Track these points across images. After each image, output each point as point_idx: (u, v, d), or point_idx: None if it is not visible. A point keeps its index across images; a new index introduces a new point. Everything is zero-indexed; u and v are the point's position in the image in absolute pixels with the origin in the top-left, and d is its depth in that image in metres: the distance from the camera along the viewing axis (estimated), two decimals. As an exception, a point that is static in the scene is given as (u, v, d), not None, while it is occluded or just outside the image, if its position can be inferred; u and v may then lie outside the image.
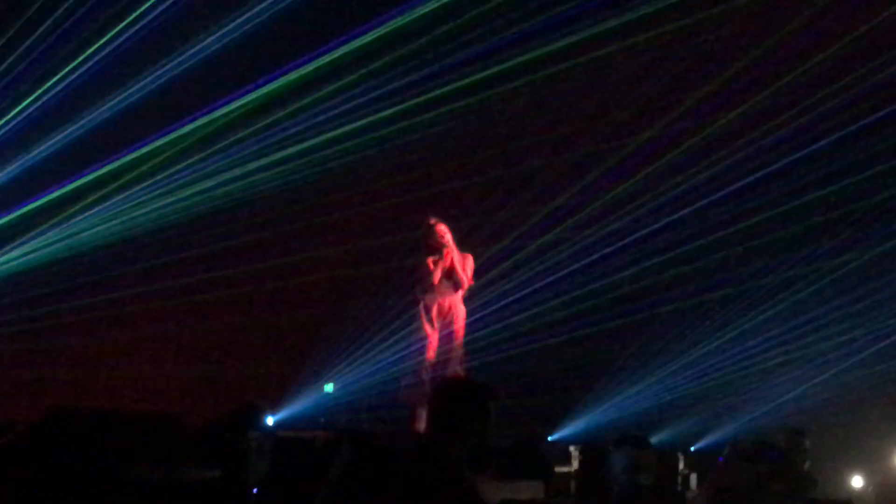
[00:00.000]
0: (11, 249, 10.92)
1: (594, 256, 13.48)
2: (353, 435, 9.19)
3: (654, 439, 12.72)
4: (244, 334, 11.84)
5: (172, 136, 11.42)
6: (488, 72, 12.39)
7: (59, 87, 10.92)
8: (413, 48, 12.13)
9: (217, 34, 11.31)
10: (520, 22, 12.25)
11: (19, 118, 10.81)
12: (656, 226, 13.72)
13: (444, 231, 10.84)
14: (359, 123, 12.08)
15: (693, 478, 13.00)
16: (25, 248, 10.97)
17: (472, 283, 11.09)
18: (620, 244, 13.62)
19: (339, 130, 12.07)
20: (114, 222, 11.38)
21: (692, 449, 14.63)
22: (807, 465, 10.84)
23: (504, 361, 12.55)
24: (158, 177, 11.56)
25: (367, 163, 12.32)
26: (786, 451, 11.02)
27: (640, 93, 12.94)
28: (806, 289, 14.83)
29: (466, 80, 12.37)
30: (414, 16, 11.86)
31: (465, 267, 11.01)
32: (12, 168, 10.87)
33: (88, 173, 11.18)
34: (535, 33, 12.46)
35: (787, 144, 13.56)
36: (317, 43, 11.73)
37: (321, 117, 11.93)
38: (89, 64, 10.98)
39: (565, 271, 13.41)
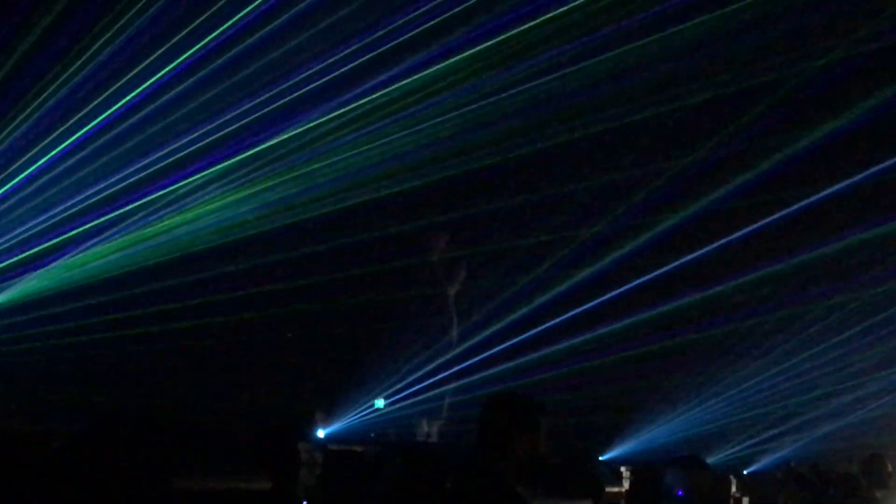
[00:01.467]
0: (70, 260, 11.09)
1: (652, 275, 13.39)
2: (404, 448, 9.20)
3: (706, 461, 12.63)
4: (296, 348, 11.88)
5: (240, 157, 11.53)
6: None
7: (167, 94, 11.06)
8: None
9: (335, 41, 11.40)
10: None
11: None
12: (714, 246, 13.60)
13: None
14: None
15: (745, 501, 12.86)
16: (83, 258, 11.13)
17: None
18: (678, 264, 13.52)
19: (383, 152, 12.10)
20: (171, 235, 11.50)
21: (745, 472, 14.48)
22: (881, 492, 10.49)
23: (558, 379, 12.50)
24: (222, 192, 11.65)
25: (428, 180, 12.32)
26: (857, 475, 10.76)
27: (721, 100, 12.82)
28: (866, 309, 14.63)
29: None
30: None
31: None
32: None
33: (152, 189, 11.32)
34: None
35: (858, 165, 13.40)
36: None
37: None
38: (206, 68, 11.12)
39: (622, 289, 13.34)
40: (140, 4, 10.82)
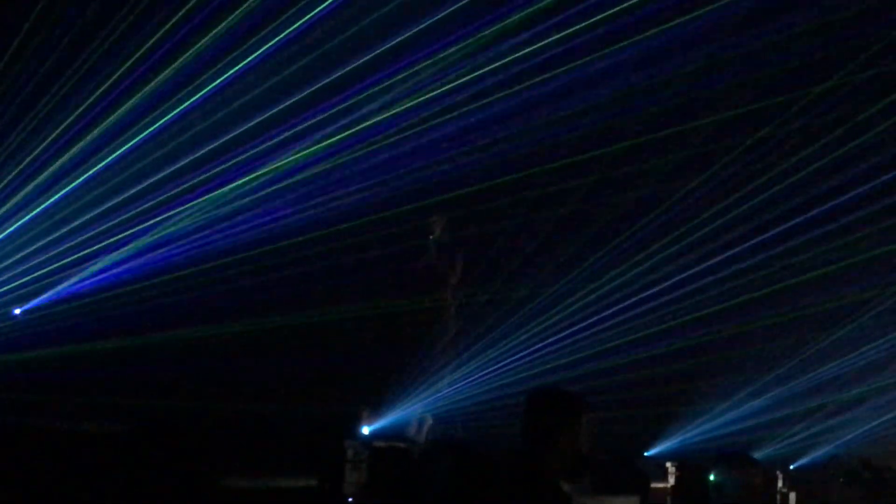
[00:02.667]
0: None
1: (697, 268, 13.32)
2: (453, 445, 9.20)
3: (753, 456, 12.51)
4: (343, 346, 11.94)
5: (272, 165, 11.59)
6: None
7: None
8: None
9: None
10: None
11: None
12: (761, 238, 13.51)
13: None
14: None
15: (792, 497, 12.77)
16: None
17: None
18: (724, 255, 13.43)
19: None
20: (223, 234, 11.59)
21: (791, 467, 14.37)
22: None
23: (602, 374, 12.47)
24: (257, 194, 11.73)
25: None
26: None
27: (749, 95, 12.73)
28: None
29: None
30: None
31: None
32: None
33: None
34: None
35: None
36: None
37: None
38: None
39: (667, 283, 13.28)
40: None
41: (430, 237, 11.82)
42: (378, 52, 11.46)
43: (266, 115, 11.44)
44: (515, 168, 12.31)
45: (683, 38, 11.97)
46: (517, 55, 11.80)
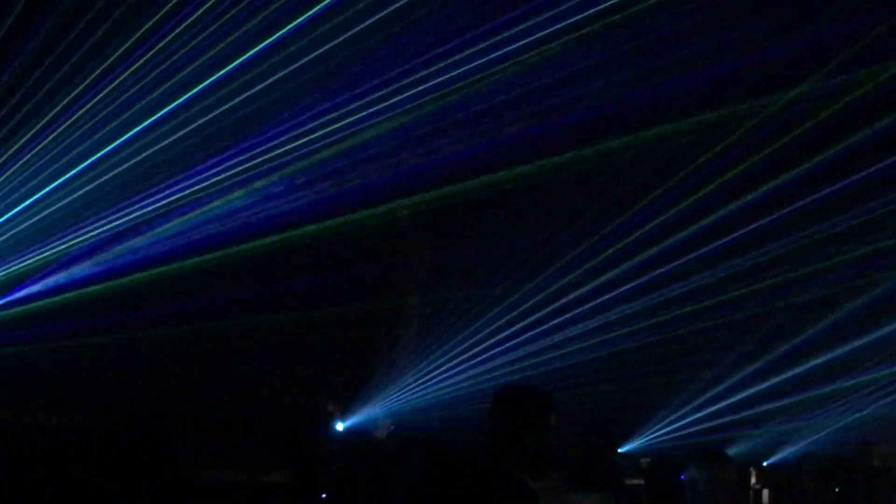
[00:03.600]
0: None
1: (668, 267, 13.35)
2: (422, 441, 9.26)
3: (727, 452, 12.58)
4: (315, 340, 11.94)
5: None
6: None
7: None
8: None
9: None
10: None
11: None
12: (734, 235, 13.54)
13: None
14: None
15: (765, 494, 12.84)
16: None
17: None
18: (695, 254, 13.47)
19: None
20: (200, 232, 11.59)
21: (764, 464, 14.44)
22: None
23: (576, 370, 12.51)
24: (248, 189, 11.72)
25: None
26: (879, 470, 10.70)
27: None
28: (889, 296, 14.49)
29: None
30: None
31: None
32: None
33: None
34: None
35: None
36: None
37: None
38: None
39: (637, 282, 13.30)
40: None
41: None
42: (349, 53, 11.45)
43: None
44: (486, 166, 12.32)
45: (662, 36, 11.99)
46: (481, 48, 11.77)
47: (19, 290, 10.94)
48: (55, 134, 10.81)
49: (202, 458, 9.77)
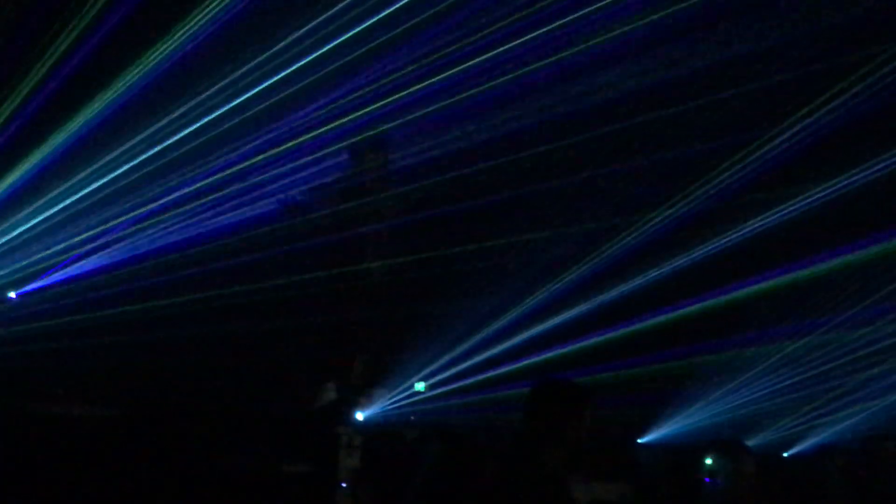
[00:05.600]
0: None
1: (691, 255, 13.24)
2: (443, 431, 9.21)
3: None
4: (336, 328, 11.90)
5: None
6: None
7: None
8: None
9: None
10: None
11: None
12: (758, 225, 13.42)
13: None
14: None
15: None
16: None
17: None
18: (723, 243, 13.35)
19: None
20: (222, 220, 11.58)
21: (785, 455, 14.37)
22: None
23: (593, 359, 12.45)
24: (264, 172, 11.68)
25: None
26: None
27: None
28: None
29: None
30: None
31: None
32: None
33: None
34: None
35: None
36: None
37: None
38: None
39: (659, 272, 13.23)
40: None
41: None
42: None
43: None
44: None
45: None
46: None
47: (38, 281, 10.97)
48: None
49: (222, 449, 9.77)
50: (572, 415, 4.96)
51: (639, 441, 12.93)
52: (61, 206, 10.86)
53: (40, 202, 10.80)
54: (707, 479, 7.86)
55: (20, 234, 10.72)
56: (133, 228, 11.10)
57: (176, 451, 9.32)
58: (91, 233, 10.94)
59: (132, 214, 11.08)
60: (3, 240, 10.79)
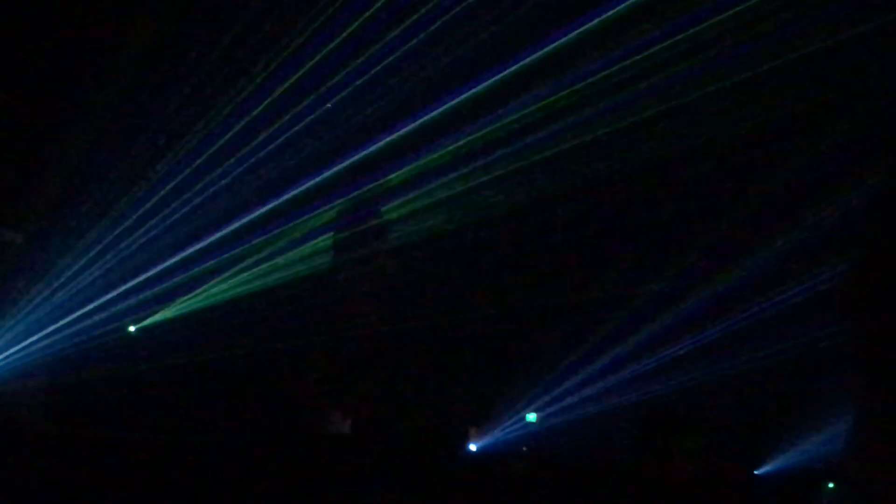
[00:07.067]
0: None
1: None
2: (551, 462, 9.21)
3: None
4: (449, 358, 11.96)
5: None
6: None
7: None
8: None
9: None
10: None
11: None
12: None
13: None
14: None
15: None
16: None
17: None
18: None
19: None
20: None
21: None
22: None
23: (702, 388, 12.27)
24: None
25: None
26: None
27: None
28: None
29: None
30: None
31: None
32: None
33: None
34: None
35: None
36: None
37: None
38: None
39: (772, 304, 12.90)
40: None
41: None
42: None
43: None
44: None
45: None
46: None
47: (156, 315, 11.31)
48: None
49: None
50: (682, 446, 4.96)
51: (756, 472, 12.70)
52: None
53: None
54: None
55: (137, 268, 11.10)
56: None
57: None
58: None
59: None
60: (124, 274, 11.16)
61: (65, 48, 10.90)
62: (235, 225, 11.38)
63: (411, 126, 11.26)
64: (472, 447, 10.58)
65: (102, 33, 11.02)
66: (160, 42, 10.96)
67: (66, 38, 10.88)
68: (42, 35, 10.87)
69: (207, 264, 11.28)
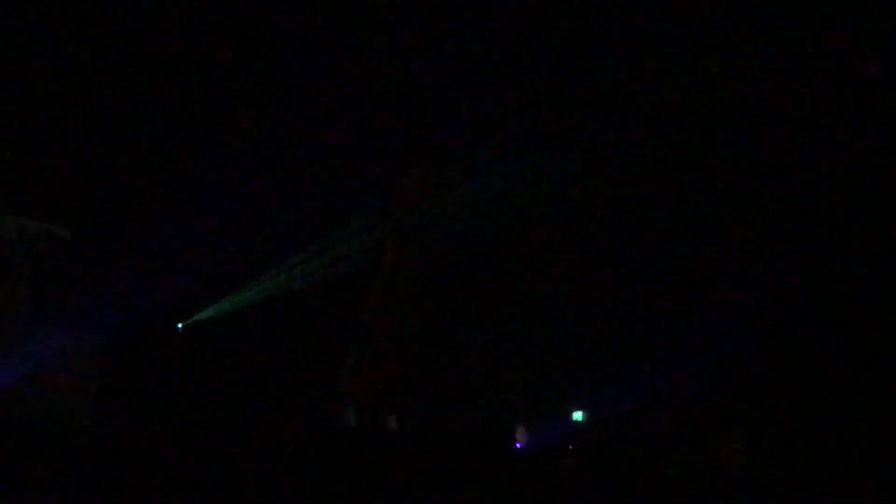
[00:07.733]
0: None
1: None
2: (601, 460, 9.15)
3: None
4: (500, 362, 11.95)
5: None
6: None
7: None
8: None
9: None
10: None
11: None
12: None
13: None
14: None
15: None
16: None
17: None
18: None
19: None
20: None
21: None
22: None
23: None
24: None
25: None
26: None
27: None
28: None
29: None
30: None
31: None
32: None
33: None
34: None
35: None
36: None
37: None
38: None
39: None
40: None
41: None
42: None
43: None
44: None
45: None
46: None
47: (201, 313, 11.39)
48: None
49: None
50: (727, 440, 4.96)
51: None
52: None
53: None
54: None
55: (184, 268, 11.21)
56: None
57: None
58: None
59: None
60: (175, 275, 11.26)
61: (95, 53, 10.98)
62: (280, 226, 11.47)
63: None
64: (519, 444, 10.56)
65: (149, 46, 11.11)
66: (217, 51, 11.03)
67: (106, 43, 10.97)
68: (82, 40, 10.94)
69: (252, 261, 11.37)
